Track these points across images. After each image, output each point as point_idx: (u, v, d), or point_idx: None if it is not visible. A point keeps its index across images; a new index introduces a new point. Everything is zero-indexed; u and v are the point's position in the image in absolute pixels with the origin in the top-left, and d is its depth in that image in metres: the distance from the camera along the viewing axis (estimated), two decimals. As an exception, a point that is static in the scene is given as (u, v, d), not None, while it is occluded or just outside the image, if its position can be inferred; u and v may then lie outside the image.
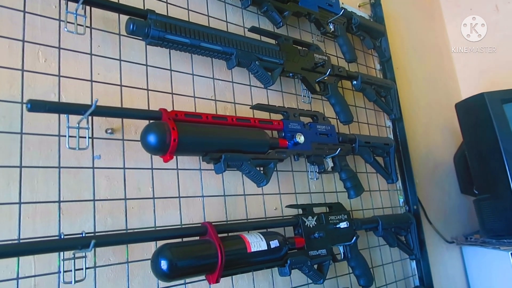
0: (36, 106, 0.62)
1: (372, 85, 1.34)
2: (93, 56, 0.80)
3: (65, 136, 0.69)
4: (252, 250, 0.79)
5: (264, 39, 1.07)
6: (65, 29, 0.74)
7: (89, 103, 0.70)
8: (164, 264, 0.68)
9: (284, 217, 1.01)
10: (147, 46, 0.87)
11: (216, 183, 0.93)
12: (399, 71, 1.57)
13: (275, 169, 0.96)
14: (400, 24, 1.75)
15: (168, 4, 0.94)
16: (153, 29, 0.80)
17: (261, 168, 0.92)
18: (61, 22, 0.76)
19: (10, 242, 0.64)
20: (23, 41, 0.72)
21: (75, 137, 0.70)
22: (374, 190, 1.34)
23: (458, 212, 1.71)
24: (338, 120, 1.22)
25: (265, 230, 0.89)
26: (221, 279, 0.75)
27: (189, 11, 0.98)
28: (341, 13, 1.29)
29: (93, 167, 0.76)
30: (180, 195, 0.86)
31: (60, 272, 0.66)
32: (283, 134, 0.99)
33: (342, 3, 1.34)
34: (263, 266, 0.86)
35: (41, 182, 0.70)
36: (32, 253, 0.62)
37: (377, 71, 1.53)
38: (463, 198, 1.74)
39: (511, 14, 1.91)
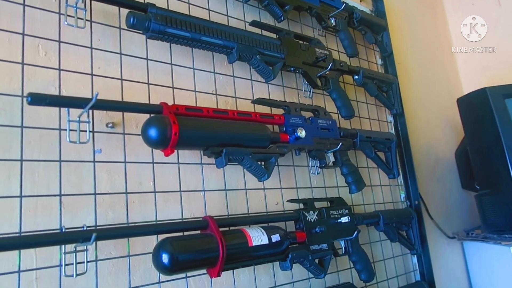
0: (37, 99, 0.62)
1: (373, 80, 1.34)
2: (93, 50, 0.80)
3: (66, 129, 0.69)
4: (254, 244, 0.79)
5: (265, 33, 1.07)
6: (65, 23, 0.74)
7: (90, 97, 0.70)
8: (165, 258, 0.68)
9: (285, 212, 1.01)
10: (148, 40, 0.86)
11: (217, 177, 0.93)
12: (400, 66, 1.56)
13: (276, 164, 0.96)
14: (402, 18, 1.74)
15: (169, -2, 0.94)
16: (153, 23, 0.79)
17: (262, 163, 0.91)
18: (61, 16, 0.76)
19: (11, 235, 0.64)
20: (23, 34, 0.72)
21: (76, 130, 0.70)
22: (376, 185, 1.34)
23: (459, 207, 1.71)
24: (339, 115, 1.21)
25: (266, 225, 0.89)
26: (222, 273, 0.75)
27: (190, 5, 0.98)
28: (342, 7, 1.28)
29: (94, 161, 0.76)
30: (181, 189, 0.86)
31: (62, 265, 0.67)
32: (284, 129, 0.99)
33: (344, -3, 1.34)
34: (265, 260, 0.86)
35: (42, 176, 0.70)
36: (33, 246, 0.62)
37: (378, 66, 1.52)
38: (464, 193, 1.74)
39: (514, 8, 1.90)
